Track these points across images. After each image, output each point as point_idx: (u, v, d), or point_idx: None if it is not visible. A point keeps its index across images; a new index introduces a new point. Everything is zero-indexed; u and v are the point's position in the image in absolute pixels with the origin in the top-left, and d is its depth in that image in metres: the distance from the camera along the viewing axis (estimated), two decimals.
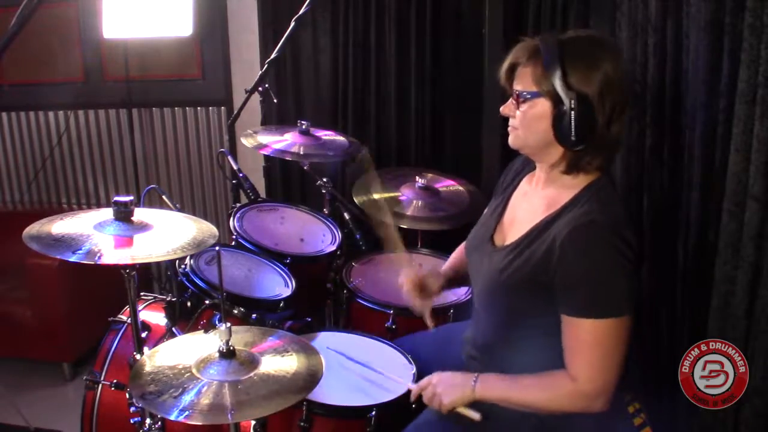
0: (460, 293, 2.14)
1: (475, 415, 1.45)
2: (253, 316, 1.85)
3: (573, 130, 1.31)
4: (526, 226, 1.44)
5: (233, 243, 2.20)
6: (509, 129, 1.44)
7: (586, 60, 1.32)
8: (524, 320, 1.44)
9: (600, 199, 1.36)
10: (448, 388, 1.47)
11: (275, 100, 2.52)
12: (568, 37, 1.36)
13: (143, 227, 1.59)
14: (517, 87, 1.39)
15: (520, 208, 1.53)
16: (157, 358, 1.44)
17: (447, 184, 2.56)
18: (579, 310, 1.32)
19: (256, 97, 2.53)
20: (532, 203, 1.49)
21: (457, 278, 1.80)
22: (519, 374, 1.42)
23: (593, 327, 1.31)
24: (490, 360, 1.52)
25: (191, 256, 1.97)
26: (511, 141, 1.45)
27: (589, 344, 1.32)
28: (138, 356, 1.68)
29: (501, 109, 1.44)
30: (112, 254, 1.47)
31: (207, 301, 1.86)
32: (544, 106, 1.35)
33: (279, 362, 1.42)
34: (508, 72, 1.41)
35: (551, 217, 1.39)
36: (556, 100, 1.32)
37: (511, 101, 1.42)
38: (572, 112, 1.30)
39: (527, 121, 1.38)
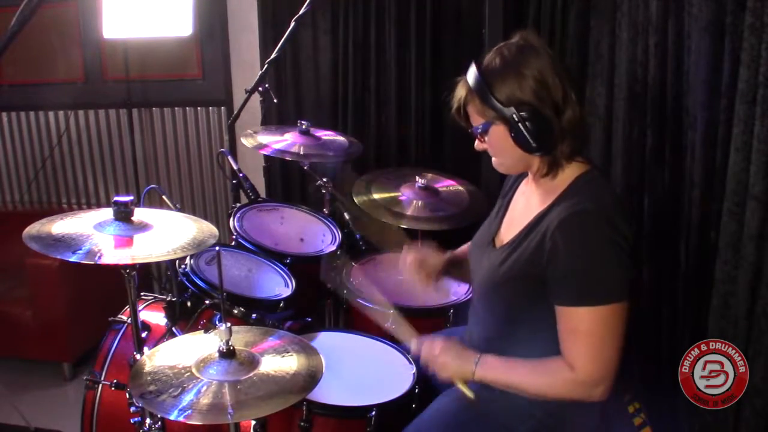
0: (460, 293, 2.14)
1: (470, 394, 1.45)
2: (253, 316, 1.85)
3: (530, 137, 1.37)
4: (521, 224, 1.48)
5: (233, 243, 2.20)
6: (492, 160, 1.52)
7: (509, 73, 1.38)
8: (522, 316, 1.46)
9: (589, 188, 1.40)
10: (450, 361, 1.49)
11: (275, 100, 2.52)
12: (487, 60, 1.42)
13: (143, 227, 1.59)
14: (473, 124, 1.47)
15: (518, 209, 1.57)
16: (157, 358, 1.44)
17: (447, 184, 2.56)
18: (572, 299, 1.33)
19: (256, 97, 2.52)
20: (528, 203, 1.53)
21: (459, 264, 1.81)
22: (520, 358, 1.43)
23: (587, 315, 1.32)
24: None
25: (191, 256, 1.97)
26: (498, 169, 1.53)
27: (584, 333, 1.33)
28: (138, 356, 1.68)
29: (475, 146, 1.51)
30: (112, 254, 1.47)
31: (207, 301, 1.86)
32: (498, 130, 1.41)
33: (279, 362, 1.42)
34: (459, 114, 1.49)
35: (543, 212, 1.43)
36: (504, 120, 1.39)
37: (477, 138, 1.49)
38: (519, 124, 1.36)
39: (495, 148, 1.46)
